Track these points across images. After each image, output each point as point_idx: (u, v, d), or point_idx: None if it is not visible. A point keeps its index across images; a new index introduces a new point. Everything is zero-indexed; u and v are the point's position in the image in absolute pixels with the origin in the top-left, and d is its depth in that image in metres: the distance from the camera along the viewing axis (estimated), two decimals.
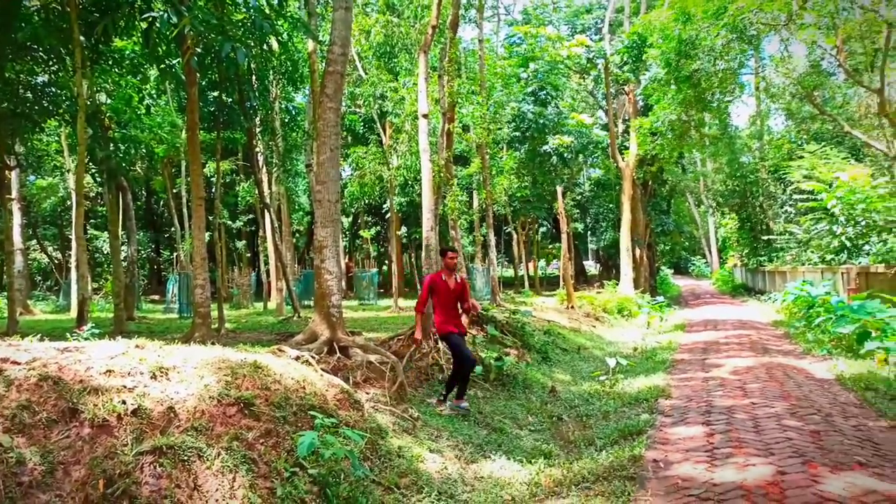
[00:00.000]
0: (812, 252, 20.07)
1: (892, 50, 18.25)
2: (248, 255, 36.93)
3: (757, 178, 30.34)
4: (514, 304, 19.69)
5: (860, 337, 10.44)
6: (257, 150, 19.83)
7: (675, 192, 37.51)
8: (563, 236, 21.16)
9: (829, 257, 17.97)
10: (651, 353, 12.36)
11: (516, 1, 68.76)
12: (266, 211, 20.15)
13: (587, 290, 28.81)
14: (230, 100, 14.74)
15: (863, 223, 16.79)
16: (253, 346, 6.51)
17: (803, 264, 20.79)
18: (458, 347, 6.94)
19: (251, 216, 32.52)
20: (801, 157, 21.56)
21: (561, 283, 23.82)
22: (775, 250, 26.84)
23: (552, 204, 27.97)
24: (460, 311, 7.31)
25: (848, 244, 17.07)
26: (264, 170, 21.39)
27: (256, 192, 20.73)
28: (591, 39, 27.79)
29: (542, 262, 50.30)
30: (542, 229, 42.64)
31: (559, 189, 21.14)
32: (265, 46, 12.90)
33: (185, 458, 3.61)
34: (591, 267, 56.89)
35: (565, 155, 26.06)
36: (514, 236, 33.85)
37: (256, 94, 15.06)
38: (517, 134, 24.75)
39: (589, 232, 48.51)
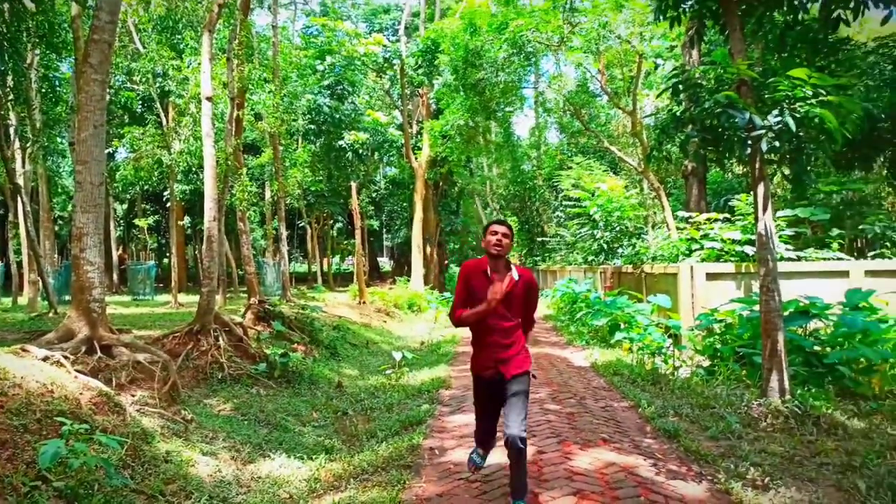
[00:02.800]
0: (577, 253, 22.42)
1: (645, 78, 21.05)
2: None
3: (534, 185, 33.21)
4: (305, 299, 19.36)
5: (611, 328, 11.89)
6: (8, 122, 17.15)
7: (464, 194, 39.65)
8: (357, 232, 21.25)
9: (590, 258, 20.20)
10: (436, 347, 12.90)
11: None
12: (18, 193, 17.49)
13: (380, 285, 29.30)
14: None
15: (617, 228, 19.13)
16: None
17: (570, 264, 23.16)
18: (477, 412, 4.40)
19: None
20: (570, 168, 24.00)
21: (355, 278, 23.92)
22: (548, 251, 29.59)
23: (347, 200, 27.99)
24: (512, 335, 4.10)
25: (605, 247, 19.33)
26: (17, 145, 18.59)
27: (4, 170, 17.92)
28: (388, 39, 28.28)
29: (337, 258, 50.15)
30: (338, 225, 42.51)
31: (354, 185, 21.20)
32: (19, 4, 11.21)
33: None
34: (386, 263, 57.98)
35: (361, 152, 26.25)
36: (309, 231, 33.29)
37: (6, 57, 13.01)
38: (312, 126, 24.39)
39: (384, 229, 49.41)
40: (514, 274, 4.05)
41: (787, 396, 6.16)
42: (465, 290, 4.12)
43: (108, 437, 4.06)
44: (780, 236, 11.57)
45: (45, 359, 5.06)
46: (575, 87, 25.47)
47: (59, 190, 31.77)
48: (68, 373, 4.92)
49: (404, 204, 37.95)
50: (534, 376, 4.10)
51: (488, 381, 4.12)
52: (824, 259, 11.54)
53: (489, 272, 4.06)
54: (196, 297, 16.45)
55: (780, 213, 12.53)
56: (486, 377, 4.11)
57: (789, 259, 11.34)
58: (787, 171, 6.77)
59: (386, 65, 28.11)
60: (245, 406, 7.07)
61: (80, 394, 4.66)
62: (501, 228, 4.08)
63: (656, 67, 19.95)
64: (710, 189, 19.44)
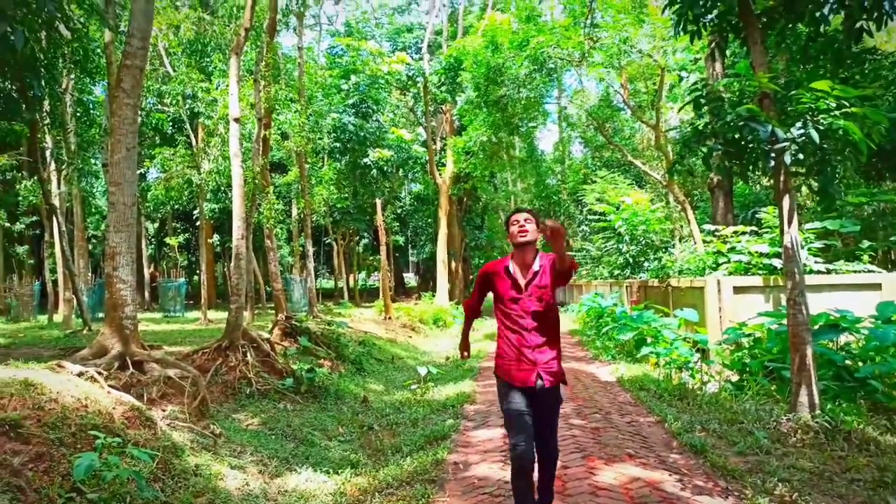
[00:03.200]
0: (603, 267, 22.31)
1: (669, 91, 20.97)
2: (32, 261, 32.68)
3: (559, 199, 33.16)
4: (331, 315, 19.54)
5: (637, 343, 11.78)
6: (44, 144, 17.70)
7: (488, 209, 39.73)
8: (383, 248, 21.42)
9: (616, 272, 20.07)
10: (461, 362, 12.90)
11: (338, 13, 68.84)
12: (53, 213, 18.00)
13: (406, 301, 29.41)
14: (10, 87, 13.00)
15: (643, 242, 19.03)
16: (27, 363, 5.81)
17: (596, 278, 23.04)
18: (511, 424, 3.74)
19: (35, 218, 28.85)
20: (595, 182, 23.94)
21: (380, 294, 24.07)
22: None
23: (372, 216, 28.26)
24: (548, 332, 3.76)
25: (631, 260, 19.22)
26: (53, 167, 19.17)
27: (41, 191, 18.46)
28: (411, 58, 28.61)
29: (363, 274, 50.47)
30: (364, 241, 42.81)
31: (378, 202, 21.42)
32: (55, 32, 11.59)
33: None
34: (411, 279, 58.16)
35: (385, 168, 26.51)
36: (335, 247, 33.61)
37: (43, 82, 13.46)
38: (338, 145, 24.73)
39: (409, 245, 49.64)
40: (535, 266, 3.71)
41: (817, 411, 6.05)
42: (481, 292, 4.00)
43: (140, 450, 4.17)
44: (808, 249, 11.39)
45: (79, 374, 5.21)
46: (597, 101, 25.45)
47: (93, 210, 32.62)
48: (102, 388, 5.06)
49: (429, 220, 38.11)
50: (565, 382, 3.88)
51: (523, 388, 3.68)
52: (855, 271, 11.32)
53: (511, 268, 3.76)
54: (225, 314, 16.72)
55: (808, 226, 12.34)
56: (524, 382, 3.68)
57: (819, 272, 11.14)
58: (813, 184, 6.70)
59: (409, 83, 28.41)
60: (272, 421, 7.17)
61: (113, 408, 4.79)
62: (522, 215, 3.77)
63: (681, 80, 19.88)
64: (738, 201, 19.24)
